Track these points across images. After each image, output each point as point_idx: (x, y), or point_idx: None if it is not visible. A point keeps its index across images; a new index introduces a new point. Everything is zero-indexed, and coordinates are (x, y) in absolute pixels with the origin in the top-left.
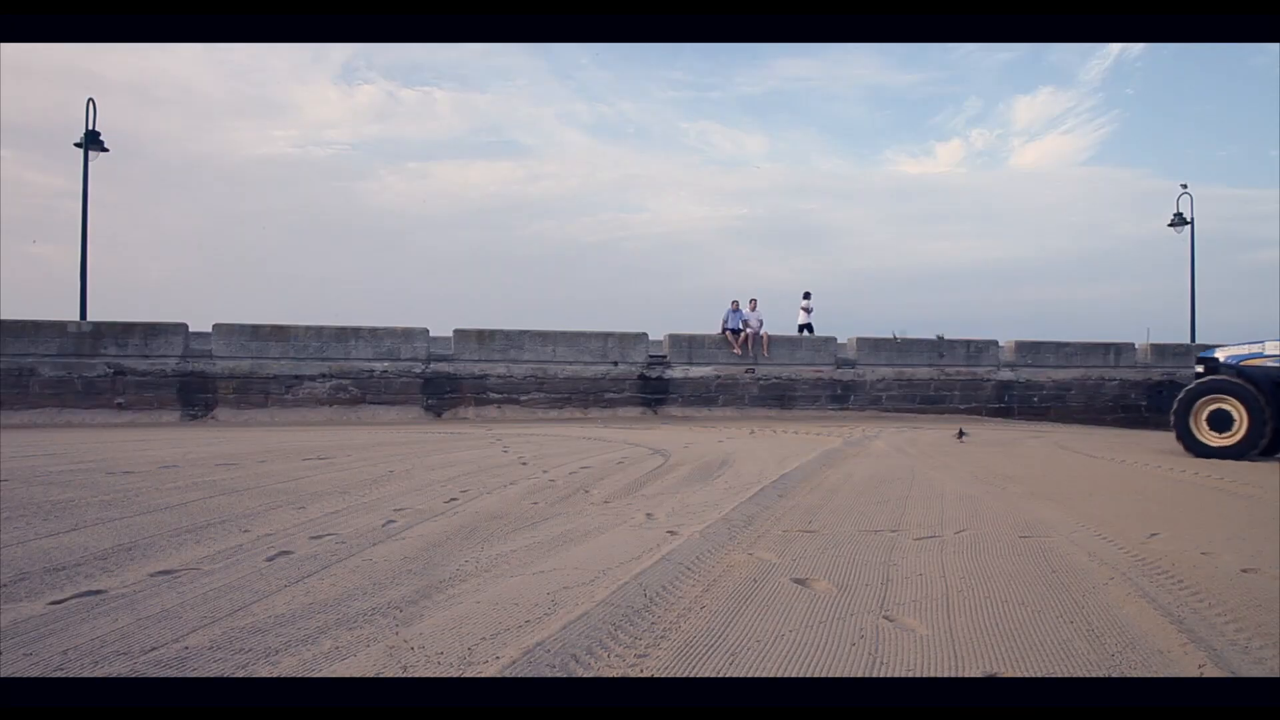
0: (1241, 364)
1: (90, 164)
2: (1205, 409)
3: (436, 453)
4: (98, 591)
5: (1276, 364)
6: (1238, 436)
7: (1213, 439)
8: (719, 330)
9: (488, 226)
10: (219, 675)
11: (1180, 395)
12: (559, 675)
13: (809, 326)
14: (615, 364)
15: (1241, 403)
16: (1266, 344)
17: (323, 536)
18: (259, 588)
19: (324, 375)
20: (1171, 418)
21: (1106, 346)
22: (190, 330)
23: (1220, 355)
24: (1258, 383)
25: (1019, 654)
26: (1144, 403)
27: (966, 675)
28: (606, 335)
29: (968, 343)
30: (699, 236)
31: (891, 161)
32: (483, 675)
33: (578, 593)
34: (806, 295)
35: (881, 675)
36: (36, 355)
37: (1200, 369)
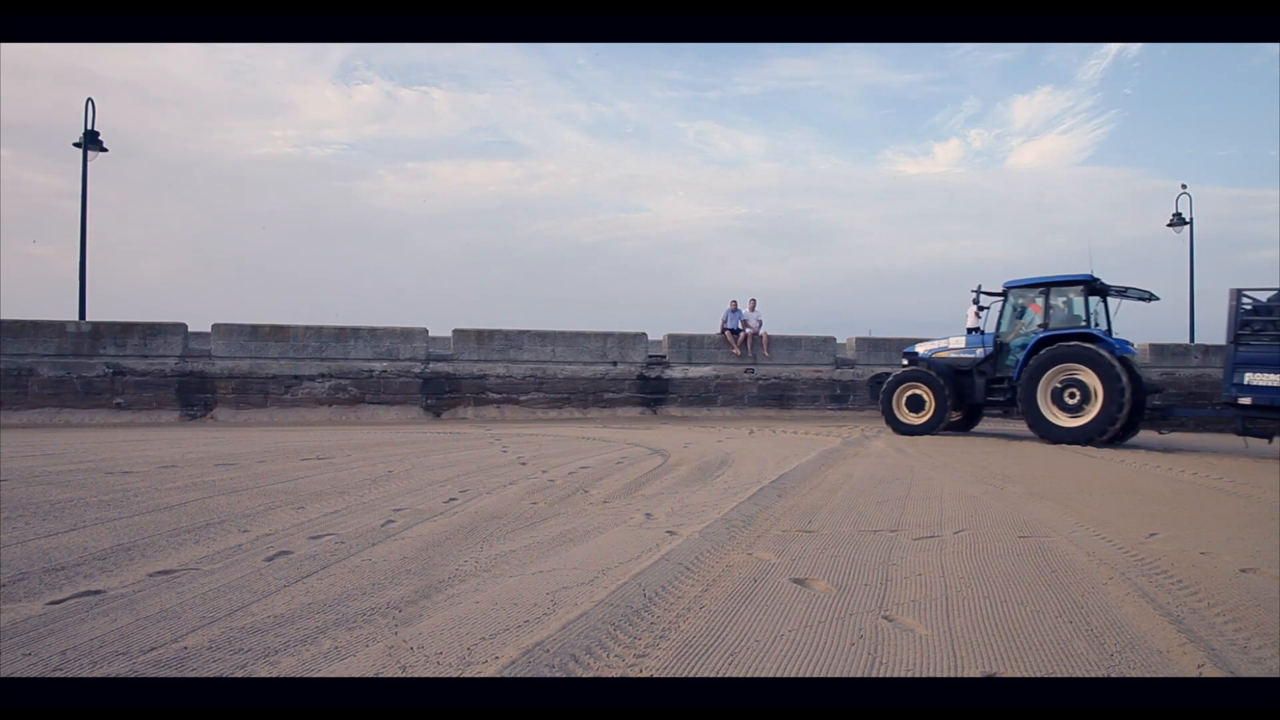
0: (932, 356)
1: (89, 164)
2: (904, 394)
3: (436, 453)
4: (97, 591)
5: (955, 355)
6: (928, 416)
7: (910, 418)
8: (718, 330)
9: (487, 226)
10: (218, 675)
11: (885, 384)
12: (558, 675)
13: (979, 330)
14: (614, 364)
15: (930, 388)
16: (950, 339)
17: (322, 536)
18: (258, 588)
19: (323, 375)
20: (880, 403)
21: None
22: (189, 330)
23: (919, 350)
24: (941, 371)
25: (1018, 654)
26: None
27: (966, 675)
28: (606, 335)
29: None
30: (698, 236)
31: (890, 161)
32: (482, 675)
33: (577, 593)
34: (976, 302)
35: (881, 675)
36: (35, 355)
37: (905, 361)
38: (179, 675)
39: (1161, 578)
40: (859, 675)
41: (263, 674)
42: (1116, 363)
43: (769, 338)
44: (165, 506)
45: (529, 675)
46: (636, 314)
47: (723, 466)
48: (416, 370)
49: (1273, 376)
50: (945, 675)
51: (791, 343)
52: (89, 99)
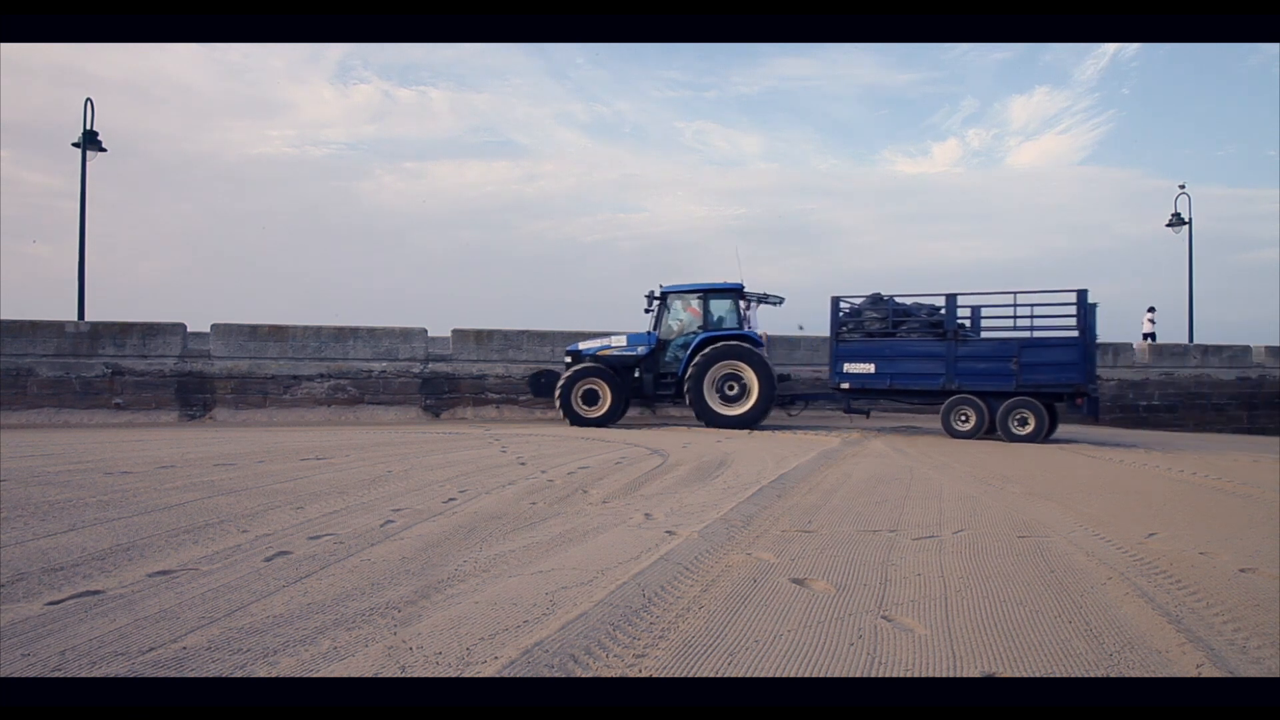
0: (598, 354)
1: (88, 164)
2: (581, 389)
3: (435, 453)
4: (96, 592)
5: (619, 353)
6: (604, 408)
7: (587, 411)
8: None
9: (485, 226)
10: (218, 675)
11: (561, 380)
12: (558, 675)
13: (1152, 336)
14: None
15: (605, 382)
16: (613, 338)
17: (321, 537)
18: (257, 588)
19: (322, 375)
20: (557, 399)
21: (1103, 346)
22: (188, 330)
23: (581, 347)
24: (613, 367)
25: (1017, 654)
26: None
27: (965, 675)
28: (605, 335)
29: None
30: (697, 236)
31: (888, 161)
32: (481, 675)
33: (576, 593)
34: (1151, 309)
35: (880, 675)
36: (34, 355)
37: (569, 359)
38: (178, 675)
39: (1161, 578)
40: (859, 675)
41: (262, 674)
42: (766, 359)
43: (768, 338)
44: (164, 507)
45: (528, 675)
46: (636, 314)
47: (722, 466)
48: (415, 370)
49: (860, 365)
50: (945, 675)
51: (790, 343)
52: (88, 99)
